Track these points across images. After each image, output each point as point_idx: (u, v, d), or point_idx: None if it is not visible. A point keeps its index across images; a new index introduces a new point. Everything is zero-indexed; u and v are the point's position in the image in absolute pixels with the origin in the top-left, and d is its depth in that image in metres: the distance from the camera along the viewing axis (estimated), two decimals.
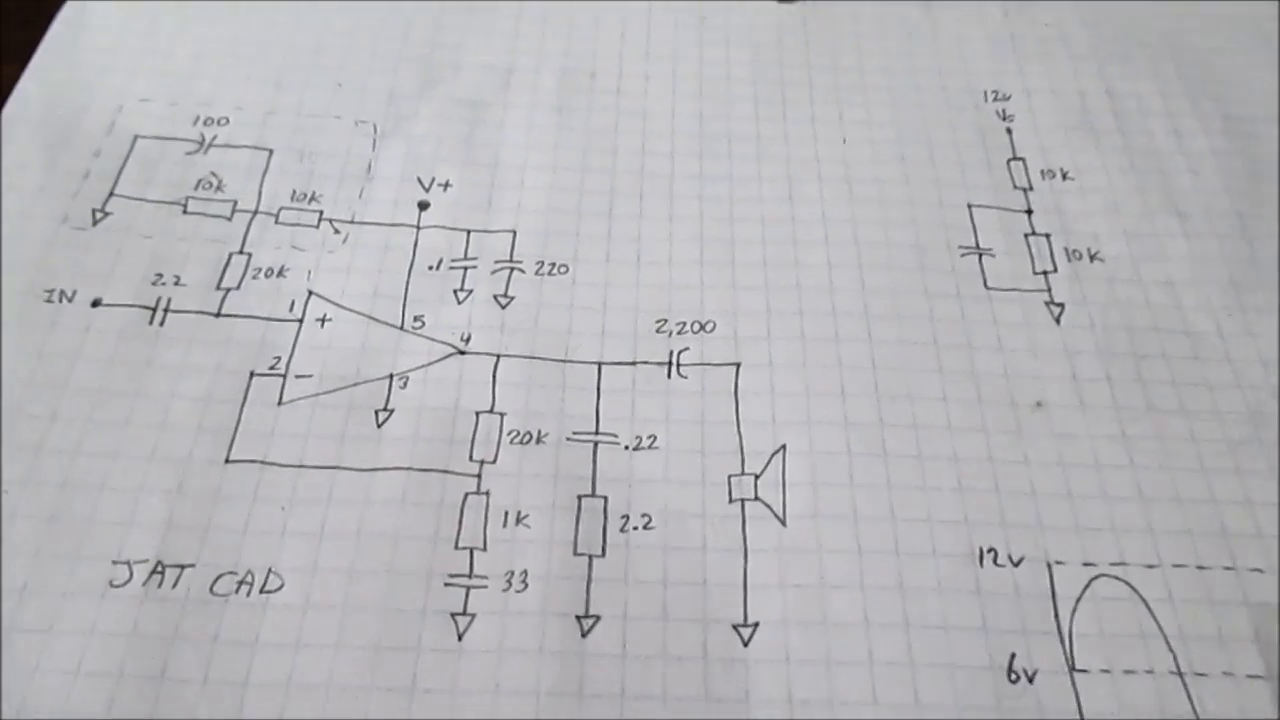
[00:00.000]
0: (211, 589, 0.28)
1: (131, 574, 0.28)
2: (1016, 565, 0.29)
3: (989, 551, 0.30)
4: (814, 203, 0.37)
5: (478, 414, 0.32)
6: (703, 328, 0.34)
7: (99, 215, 0.35)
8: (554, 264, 0.35)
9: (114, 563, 0.28)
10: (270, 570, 0.28)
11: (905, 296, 0.35)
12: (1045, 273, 0.36)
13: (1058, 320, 0.34)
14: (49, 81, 0.38)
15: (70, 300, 0.33)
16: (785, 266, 0.35)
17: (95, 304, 0.33)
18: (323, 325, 0.33)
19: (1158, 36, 0.43)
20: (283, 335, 0.33)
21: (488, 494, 0.30)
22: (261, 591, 0.28)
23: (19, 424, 0.30)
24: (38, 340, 0.32)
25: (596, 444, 0.31)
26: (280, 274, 0.34)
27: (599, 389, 0.32)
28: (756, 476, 0.31)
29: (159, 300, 0.33)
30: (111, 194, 0.36)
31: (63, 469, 0.30)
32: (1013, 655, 0.28)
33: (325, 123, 0.38)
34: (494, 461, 0.31)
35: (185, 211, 0.35)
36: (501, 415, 0.32)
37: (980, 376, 0.33)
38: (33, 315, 0.33)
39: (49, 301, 0.33)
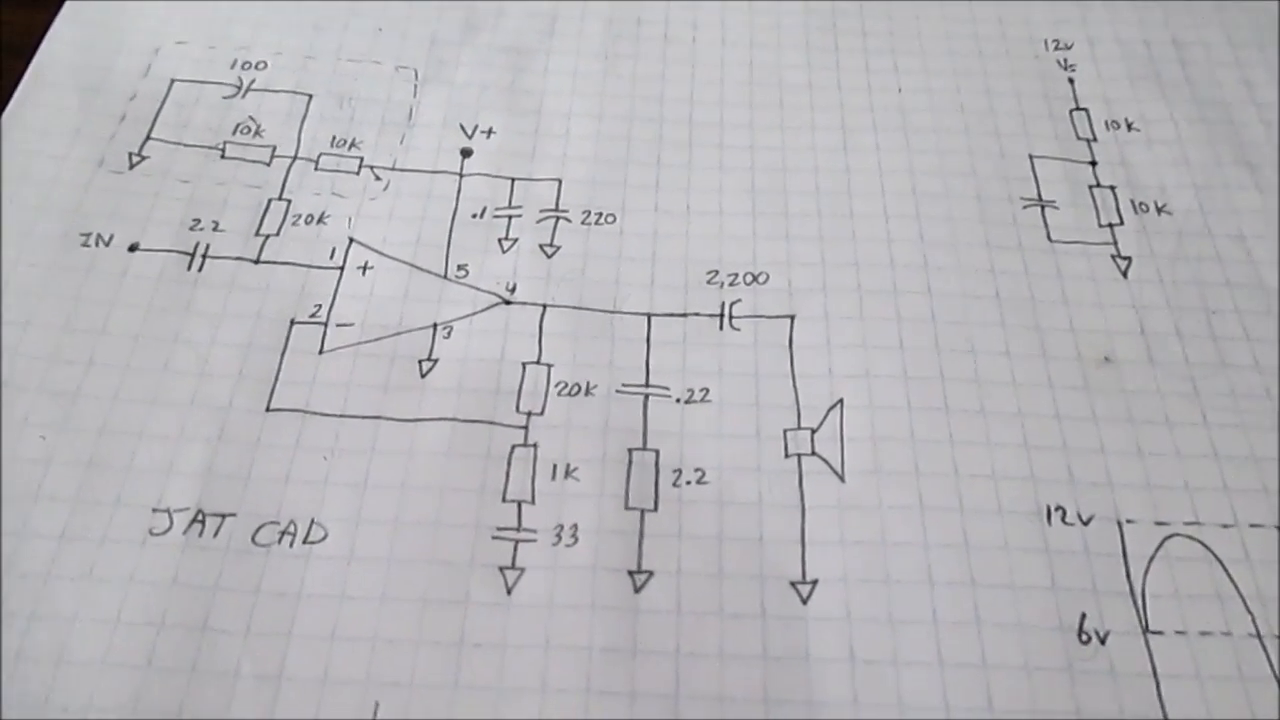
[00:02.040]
0: (253, 539, 0.27)
1: (172, 522, 0.27)
2: (1086, 524, 0.28)
3: (1057, 509, 0.28)
4: (869, 152, 0.36)
5: (524, 365, 0.31)
6: (755, 279, 0.33)
7: (135, 159, 0.34)
8: (601, 213, 0.34)
9: (154, 511, 0.28)
10: (313, 521, 0.28)
11: (965, 249, 0.34)
12: (1111, 225, 0.34)
13: (1124, 274, 0.33)
14: (83, 23, 0.37)
15: (107, 245, 0.32)
16: (840, 217, 0.34)
17: (132, 249, 0.32)
18: (364, 273, 0.32)
19: None
20: (323, 283, 0.32)
21: (535, 446, 0.29)
22: (305, 542, 0.27)
23: (56, 369, 0.30)
24: (74, 285, 0.31)
25: (647, 396, 0.30)
26: (320, 220, 0.33)
27: (649, 340, 0.31)
28: (813, 431, 0.30)
29: (197, 246, 0.32)
30: (148, 138, 0.35)
31: (101, 415, 0.29)
32: (1083, 616, 0.27)
33: (365, 68, 0.37)
34: (541, 413, 0.30)
35: (223, 156, 0.35)
36: (549, 366, 0.31)
37: (1045, 331, 0.32)
38: (69, 259, 0.32)
39: (85, 245, 0.32)
